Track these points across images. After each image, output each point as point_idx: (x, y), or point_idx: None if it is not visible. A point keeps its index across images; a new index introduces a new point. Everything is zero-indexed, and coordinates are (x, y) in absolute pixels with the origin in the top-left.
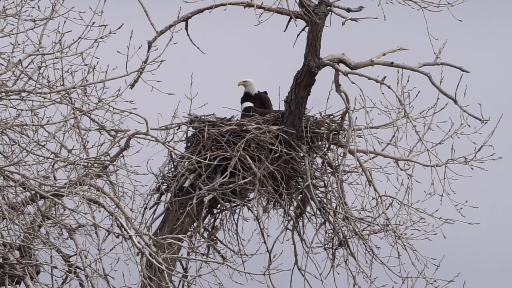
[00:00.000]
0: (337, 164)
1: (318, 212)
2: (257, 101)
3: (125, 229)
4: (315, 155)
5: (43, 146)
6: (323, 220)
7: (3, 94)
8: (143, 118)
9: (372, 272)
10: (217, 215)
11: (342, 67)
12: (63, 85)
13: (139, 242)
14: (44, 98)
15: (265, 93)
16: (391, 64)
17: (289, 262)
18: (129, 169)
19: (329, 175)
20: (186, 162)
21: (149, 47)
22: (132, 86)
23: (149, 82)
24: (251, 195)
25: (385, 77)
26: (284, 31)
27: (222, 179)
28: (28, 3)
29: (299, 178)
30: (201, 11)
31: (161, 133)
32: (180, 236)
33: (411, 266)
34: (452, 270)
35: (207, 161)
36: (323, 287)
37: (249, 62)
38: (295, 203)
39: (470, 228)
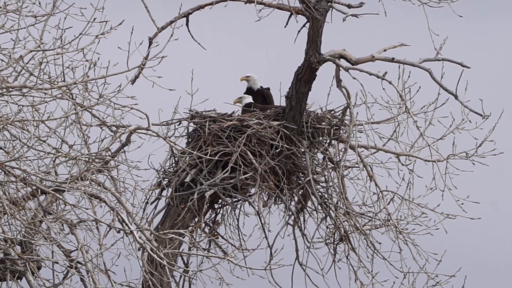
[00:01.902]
0: (338, 159)
1: (319, 207)
2: (259, 97)
3: (126, 224)
4: (316, 150)
5: (44, 141)
6: (324, 215)
7: (4, 90)
8: (144, 114)
9: (373, 267)
10: (218, 210)
11: (343, 62)
12: (64, 81)
13: (140, 237)
14: (45, 93)
15: (268, 89)
16: (392, 60)
17: (290, 257)
18: (130, 164)
19: (330, 170)
20: (187, 158)
21: (150, 43)
22: (133, 82)
23: (150, 78)
24: (252, 190)
25: (386, 73)
26: (285, 27)
27: (223, 174)
28: None
29: (300, 173)
30: (202, 7)
31: (162, 128)
32: (181, 231)
33: (413, 261)
34: (454, 265)
35: (208, 157)
36: (324, 282)
37: (249, 58)
38: (296, 198)
39: (471, 223)
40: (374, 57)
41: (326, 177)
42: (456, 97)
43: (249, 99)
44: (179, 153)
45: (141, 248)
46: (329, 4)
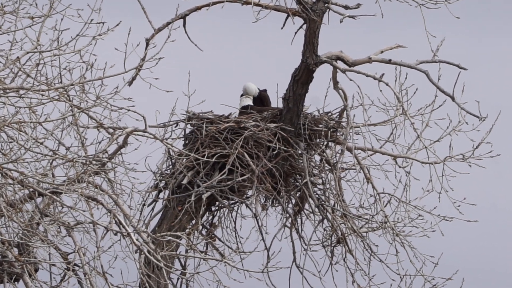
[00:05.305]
0: (335, 162)
1: (316, 210)
2: (256, 99)
3: (124, 227)
4: (313, 152)
5: (41, 143)
6: (321, 217)
7: (1, 91)
8: (141, 116)
9: (370, 269)
10: (215, 213)
11: (340, 64)
12: (61, 82)
13: (137, 240)
14: (42, 95)
15: (265, 91)
16: (389, 62)
17: (288, 259)
18: (127, 166)
19: (327, 172)
20: (184, 160)
21: (147, 44)
22: (130, 83)
23: (147, 79)
24: (249, 193)
25: (383, 75)
26: (282, 28)
27: (220, 176)
28: (26, 1)
29: (297, 176)
30: (198, 8)
31: (159, 130)
32: (178, 233)
33: (409, 264)
34: (451, 268)
35: (205, 159)
36: (321, 284)
37: (246, 59)
38: (293, 201)
39: (468, 225)
40: (371, 58)
41: (323, 179)
42: (453, 99)
43: (249, 100)
44: (176, 155)
45: (138, 250)
46: (326, 5)
